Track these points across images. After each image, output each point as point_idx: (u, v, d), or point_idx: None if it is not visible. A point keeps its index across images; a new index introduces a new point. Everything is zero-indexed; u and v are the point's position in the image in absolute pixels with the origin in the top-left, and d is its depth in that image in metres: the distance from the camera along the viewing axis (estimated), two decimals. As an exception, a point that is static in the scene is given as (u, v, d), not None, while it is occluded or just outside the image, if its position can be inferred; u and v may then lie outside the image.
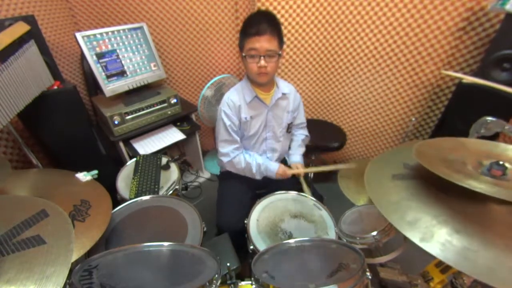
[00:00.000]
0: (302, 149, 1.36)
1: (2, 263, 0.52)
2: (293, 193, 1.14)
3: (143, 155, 1.36)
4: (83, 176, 1.00)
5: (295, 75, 1.82)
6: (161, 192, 1.17)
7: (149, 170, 1.26)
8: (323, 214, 1.04)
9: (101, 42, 1.42)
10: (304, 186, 1.18)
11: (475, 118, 0.97)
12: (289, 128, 1.26)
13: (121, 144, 1.53)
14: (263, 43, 0.97)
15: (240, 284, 0.81)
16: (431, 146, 0.77)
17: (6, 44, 0.99)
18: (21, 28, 1.12)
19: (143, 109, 1.54)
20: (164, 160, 1.36)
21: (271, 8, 1.52)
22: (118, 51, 1.49)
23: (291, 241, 0.65)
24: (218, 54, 1.88)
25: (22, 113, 1.05)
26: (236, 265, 0.86)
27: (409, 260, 0.98)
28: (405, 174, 0.75)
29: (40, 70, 1.19)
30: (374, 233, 0.89)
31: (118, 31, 1.47)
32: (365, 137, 1.92)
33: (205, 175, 2.14)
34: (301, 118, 1.33)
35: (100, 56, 1.42)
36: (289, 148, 1.36)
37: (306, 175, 1.22)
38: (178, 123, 1.74)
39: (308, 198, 1.12)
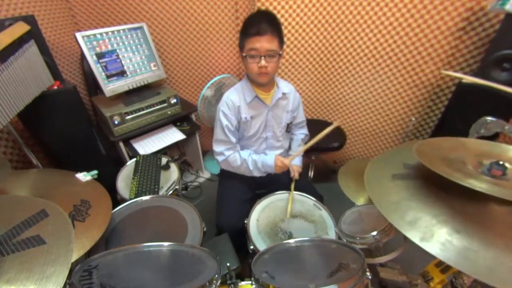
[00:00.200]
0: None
1: (2, 263, 0.51)
2: (293, 193, 1.13)
3: (143, 155, 1.36)
4: (83, 176, 1.00)
5: (295, 75, 1.82)
6: (161, 192, 1.17)
7: (149, 170, 1.26)
8: (323, 214, 1.04)
9: (101, 42, 1.42)
10: (291, 195, 1.11)
11: (475, 118, 0.97)
12: (289, 128, 1.26)
13: (121, 144, 1.53)
14: (264, 43, 0.97)
15: (240, 284, 0.81)
16: (431, 145, 0.77)
17: (6, 44, 0.99)
18: (21, 28, 1.12)
19: (143, 109, 1.54)
20: (164, 160, 1.36)
21: (271, 8, 1.52)
22: (118, 51, 1.49)
23: (291, 241, 0.65)
24: (218, 54, 1.88)
25: (22, 113, 1.05)
26: (236, 265, 0.86)
27: (409, 260, 0.98)
28: (405, 174, 0.75)
29: (40, 70, 1.19)
30: (374, 233, 0.89)
31: (118, 31, 1.47)
32: (365, 137, 1.92)
33: (205, 175, 2.14)
34: (301, 117, 1.33)
35: (100, 56, 1.42)
36: (289, 147, 1.35)
37: (304, 178, 1.21)
38: (178, 123, 1.74)
39: (308, 198, 1.12)
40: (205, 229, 0.92)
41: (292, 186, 1.14)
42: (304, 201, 1.10)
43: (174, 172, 1.29)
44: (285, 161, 1.13)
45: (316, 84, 1.87)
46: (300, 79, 1.84)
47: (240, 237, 1.02)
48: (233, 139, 1.16)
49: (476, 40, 1.33)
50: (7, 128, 1.20)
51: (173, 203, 1.02)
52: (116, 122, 1.45)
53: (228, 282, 0.81)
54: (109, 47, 1.45)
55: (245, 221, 1.01)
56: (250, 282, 0.79)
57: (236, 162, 1.17)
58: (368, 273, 0.75)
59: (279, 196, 1.13)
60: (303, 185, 1.18)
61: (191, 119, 1.81)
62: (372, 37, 1.52)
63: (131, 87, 1.55)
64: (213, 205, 1.25)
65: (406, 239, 0.86)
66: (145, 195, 1.09)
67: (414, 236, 0.56)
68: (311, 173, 1.90)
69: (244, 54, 1.02)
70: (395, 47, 1.49)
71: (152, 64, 1.63)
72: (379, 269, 0.93)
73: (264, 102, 1.14)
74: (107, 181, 1.07)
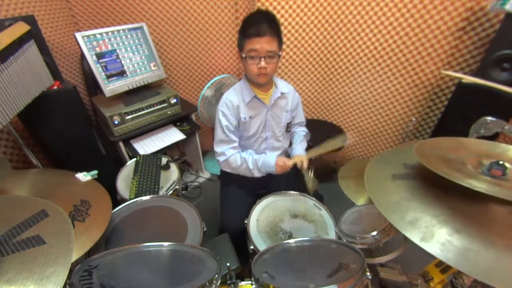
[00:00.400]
0: (304, 144, 1.32)
1: (2, 263, 0.52)
2: (293, 193, 1.14)
3: (143, 155, 1.36)
4: (83, 176, 1.00)
5: (295, 75, 1.82)
6: (161, 192, 1.17)
7: (149, 170, 1.26)
8: (323, 214, 1.04)
9: (101, 42, 1.42)
10: (307, 177, 1.11)
11: (475, 118, 0.97)
12: (288, 128, 1.26)
13: (121, 144, 1.53)
14: (264, 44, 0.96)
15: (240, 284, 0.81)
16: (431, 145, 0.77)
17: (6, 44, 0.99)
18: (21, 28, 1.12)
19: (143, 109, 1.54)
20: (164, 160, 1.36)
21: (271, 8, 1.52)
22: (118, 51, 1.48)
23: (291, 241, 0.65)
24: (218, 54, 1.88)
25: (22, 113, 1.05)
26: (236, 265, 0.87)
27: (409, 260, 0.98)
28: (405, 174, 0.75)
29: (40, 70, 1.19)
30: (374, 233, 0.89)
31: (118, 31, 1.47)
32: (365, 137, 1.92)
33: (205, 175, 2.14)
34: (301, 117, 1.32)
35: (100, 56, 1.42)
36: (290, 144, 1.34)
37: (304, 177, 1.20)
38: (178, 123, 1.74)
39: (308, 198, 1.12)
40: (205, 229, 0.92)
41: (303, 171, 1.12)
42: (304, 201, 1.10)
43: (174, 172, 1.29)
44: (286, 161, 1.12)
45: (316, 84, 1.87)
46: (300, 79, 1.84)
47: (241, 237, 1.02)
48: (235, 138, 1.16)
49: (476, 40, 1.33)
50: (7, 128, 1.20)
51: (173, 203, 1.02)
52: (116, 122, 1.45)
53: (228, 282, 0.81)
54: (109, 47, 1.45)
55: (245, 221, 1.01)
56: (250, 282, 0.79)
57: (237, 162, 1.15)
58: (368, 273, 0.75)
59: (279, 196, 1.13)
60: (303, 185, 1.18)
61: (191, 119, 1.81)
62: (372, 37, 1.52)
63: (131, 87, 1.55)
64: (213, 205, 1.25)
65: (406, 239, 0.86)
66: (145, 195, 1.09)
67: (414, 236, 0.56)
68: (311, 173, 1.90)
69: (243, 55, 1.02)
70: (395, 47, 1.49)
71: (152, 64, 1.63)
72: (379, 269, 0.93)
73: (263, 102, 1.14)
74: (107, 181, 1.07)
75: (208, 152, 2.32)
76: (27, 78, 1.07)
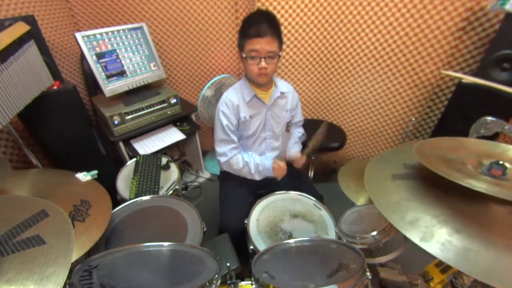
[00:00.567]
0: (299, 146, 1.35)
1: (2, 263, 0.51)
2: (293, 193, 1.14)
3: (143, 155, 1.36)
4: (83, 176, 1.00)
5: (295, 75, 1.82)
6: (161, 192, 1.17)
7: (149, 170, 1.26)
8: (323, 214, 1.04)
9: (101, 42, 1.42)
10: (310, 145, 1.12)
11: (475, 118, 0.97)
12: (288, 127, 1.26)
13: (121, 144, 1.53)
14: (264, 44, 0.97)
15: (240, 284, 0.81)
16: (431, 145, 0.77)
17: (6, 44, 0.99)
18: (21, 28, 1.12)
19: (143, 109, 1.54)
20: (164, 160, 1.36)
21: (271, 8, 1.52)
22: (118, 51, 1.48)
23: (291, 241, 0.65)
24: (218, 54, 1.88)
25: (22, 113, 1.05)
26: (236, 265, 0.86)
27: (409, 260, 0.98)
28: (405, 174, 0.75)
29: (40, 70, 1.19)
30: (374, 233, 0.89)
31: (118, 31, 1.47)
32: (365, 137, 1.92)
33: (205, 175, 2.14)
34: (299, 116, 1.34)
35: (100, 56, 1.42)
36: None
37: (304, 178, 1.20)
38: (178, 123, 1.74)
39: (308, 198, 1.12)
40: (205, 229, 0.92)
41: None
42: (304, 201, 1.10)
43: (174, 172, 1.29)
44: (281, 164, 1.14)
45: (316, 84, 1.87)
46: (300, 79, 1.84)
47: (241, 237, 1.02)
48: (235, 138, 1.16)
49: (476, 40, 1.33)
50: (7, 128, 1.20)
51: (173, 203, 1.02)
52: (116, 122, 1.45)
53: (228, 282, 0.81)
54: (109, 47, 1.45)
55: (245, 221, 1.01)
56: (250, 282, 0.79)
57: (238, 164, 1.16)
58: (368, 273, 0.75)
59: (279, 196, 1.13)
60: (303, 185, 1.18)
61: (191, 119, 1.81)
62: (372, 37, 1.52)
63: (131, 87, 1.55)
64: (213, 205, 1.25)
65: (406, 239, 0.86)
66: (145, 195, 1.09)
67: (414, 236, 0.56)
68: (311, 173, 1.90)
69: (244, 55, 1.02)
70: (395, 47, 1.49)
71: (152, 64, 1.63)
72: (379, 269, 0.93)
73: (262, 101, 1.14)
74: (107, 181, 1.07)
75: (208, 152, 2.32)
76: (27, 78, 1.07)
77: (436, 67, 1.46)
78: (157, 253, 0.62)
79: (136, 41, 1.55)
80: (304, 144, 1.44)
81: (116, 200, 1.16)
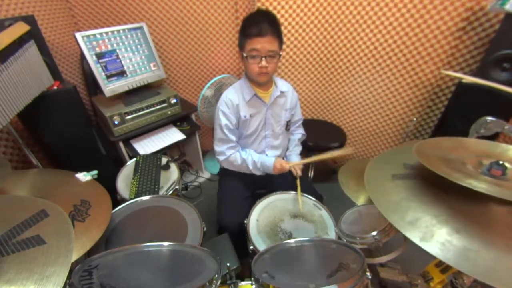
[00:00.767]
0: (299, 148, 1.37)
1: (2, 263, 0.51)
2: (293, 193, 1.14)
3: (143, 155, 1.36)
4: (83, 176, 1.00)
5: (295, 75, 1.82)
6: (161, 192, 1.17)
7: (149, 170, 1.26)
8: (323, 214, 1.04)
9: (101, 42, 1.42)
10: (299, 190, 1.12)
11: (475, 118, 0.97)
12: (288, 126, 1.26)
13: (121, 144, 1.53)
14: (265, 44, 0.97)
15: (240, 284, 0.81)
16: (431, 145, 0.77)
17: (6, 44, 0.99)
18: (21, 28, 1.12)
19: (143, 109, 1.54)
20: (164, 160, 1.36)
21: (271, 8, 1.52)
22: (118, 51, 1.48)
23: (291, 241, 0.65)
24: (218, 54, 1.88)
25: (22, 113, 1.05)
26: (236, 265, 0.86)
27: (409, 260, 0.98)
28: (405, 174, 0.75)
29: (40, 70, 1.19)
30: (374, 233, 0.89)
31: (118, 31, 1.47)
32: (365, 137, 1.92)
33: (205, 175, 2.14)
34: (298, 115, 1.35)
35: (100, 56, 1.42)
36: (287, 147, 1.36)
37: (304, 179, 1.20)
38: (178, 123, 1.74)
39: (308, 198, 1.12)
40: (205, 229, 0.92)
41: (298, 183, 1.15)
42: (304, 201, 1.10)
43: (174, 172, 1.29)
44: (284, 164, 1.15)
45: (316, 84, 1.87)
46: (300, 79, 1.84)
47: (240, 237, 1.02)
48: (233, 138, 1.17)
49: (476, 40, 1.33)
50: (7, 128, 1.20)
51: (173, 203, 1.02)
52: (116, 122, 1.45)
53: (228, 282, 0.81)
54: (109, 47, 1.45)
55: (245, 221, 1.01)
56: (250, 282, 0.79)
57: (237, 161, 1.18)
58: (368, 273, 0.75)
59: (279, 196, 1.13)
60: (303, 185, 1.18)
61: (191, 119, 1.81)
62: (372, 37, 1.52)
63: (131, 87, 1.55)
64: (213, 205, 1.25)
65: (406, 239, 0.86)
66: (145, 195, 1.09)
67: (414, 236, 0.56)
68: (311, 173, 1.90)
69: (244, 54, 1.02)
70: (395, 47, 1.49)
71: (152, 64, 1.63)
72: (379, 269, 0.93)
73: (263, 100, 1.15)
74: (107, 181, 1.07)
75: (208, 152, 2.32)
76: (27, 78, 1.07)
77: (436, 67, 1.46)
78: (157, 253, 0.62)
79: (136, 41, 1.55)
80: (304, 145, 1.44)
81: (116, 200, 1.16)
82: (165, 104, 1.62)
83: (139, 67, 1.58)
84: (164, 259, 0.64)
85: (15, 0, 1.32)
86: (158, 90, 1.67)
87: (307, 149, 1.57)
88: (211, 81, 1.67)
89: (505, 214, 0.59)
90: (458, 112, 1.29)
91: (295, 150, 1.35)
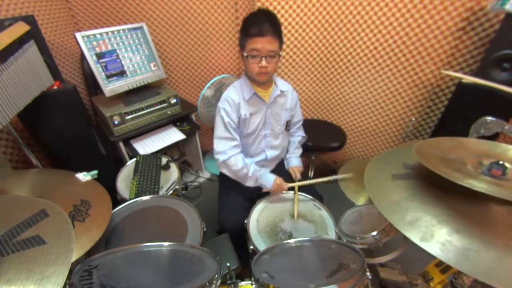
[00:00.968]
0: (299, 151, 1.38)
1: (2, 263, 0.51)
2: (293, 193, 1.13)
3: (143, 155, 1.36)
4: (83, 176, 1.00)
5: (295, 75, 1.82)
6: (161, 192, 1.17)
7: (149, 170, 1.26)
8: (323, 214, 1.04)
9: (101, 42, 1.42)
10: (296, 200, 1.10)
11: (475, 118, 0.97)
12: (288, 126, 1.26)
13: (121, 144, 1.53)
14: (265, 44, 0.97)
15: (240, 284, 0.81)
16: (431, 145, 0.77)
17: (6, 44, 0.99)
18: (21, 28, 1.12)
19: (143, 109, 1.54)
20: (164, 160, 1.36)
21: (271, 8, 1.52)
22: (118, 51, 1.48)
23: (291, 241, 0.65)
24: (218, 54, 1.88)
25: (22, 113, 1.05)
26: (236, 265, 0.87)
27: (409, 260, 0.98)
28: (405, 174, 0.75)
29: (40, 70, 1.19)
30: (374, 233, 0.89)
31: (118, 31, 1.47)
32: (365, 137, 1.92)
33: (205, 175, 2.14)
34: (298, 116, 1.34)
35: (100, 56, 1.42)
36: (287, 150, 1.36)
37: (304, 178, 1.20)
38: (178, 123, 1.74)
39: (308, 198, 1.12)
40: (205, 229, 0.92)
41: (296, 187, 1.13)
42: (304, 201, 1.10)
43: (174, 172, 1.29)
44: (283, 185, 1.12)
45: (316, 84, 1.87)
46: (300, 79, 1.84)
47: (240, 237, 1.02)
48: (237, 136, 1.15)
49: (476, 40, 1.33)
50: (7, 128, 1.20)
51: (173, 203, 1.02)
52: (116, 122, 1.45)
53: (228, 282, 0.81)
54: (109, 47, 1.45)
55: (245, 221, 1.01)
56: (250, 282, 0.79)
57: (237, 165, 1.12)
58: (368, 273, 0.75)
59: (279, 196, 1.13)
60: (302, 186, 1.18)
61: (191, 119, 1.81)
62: (372, 37, 1.52)
63: (131, 87, 1.55)
64: (213, 205, 1.24)
65: (406, 239, 0.86)
66: (145, 195, 1.09)
67: (414, 236, 0.56)
68: (311, 173, 1.90)
69: (245, 54, 1.02)
70: (395, 47, 1.49)
71: (152, 64, 1.63)
72: (379, 269, 0.93)
73: (262, 99, 1.15)
74: (107, 181, 1.07)
75: (208, 152, 2.32)
76: (27, 78, 1.07)
77: (436, 67, 1.46)
78: (157, 253, 0.62)
79: (136, 41, 1.55)
80: (305, 145, 1.44)
81: (116, 200, 1.16)
82: (165, 104, 1.62)
83: (139, 67, 1.58)
84: (164, 259, 0.64)
85: (15, 0, 1.32)
86: (158, 90, 1.67)
87: (307, 149, 1.57)
88: (211, 81, 1.67)
89: (505, 214, 0.59)
90: (458, 112, 1.29)
91: (295, 153, 1.35)
